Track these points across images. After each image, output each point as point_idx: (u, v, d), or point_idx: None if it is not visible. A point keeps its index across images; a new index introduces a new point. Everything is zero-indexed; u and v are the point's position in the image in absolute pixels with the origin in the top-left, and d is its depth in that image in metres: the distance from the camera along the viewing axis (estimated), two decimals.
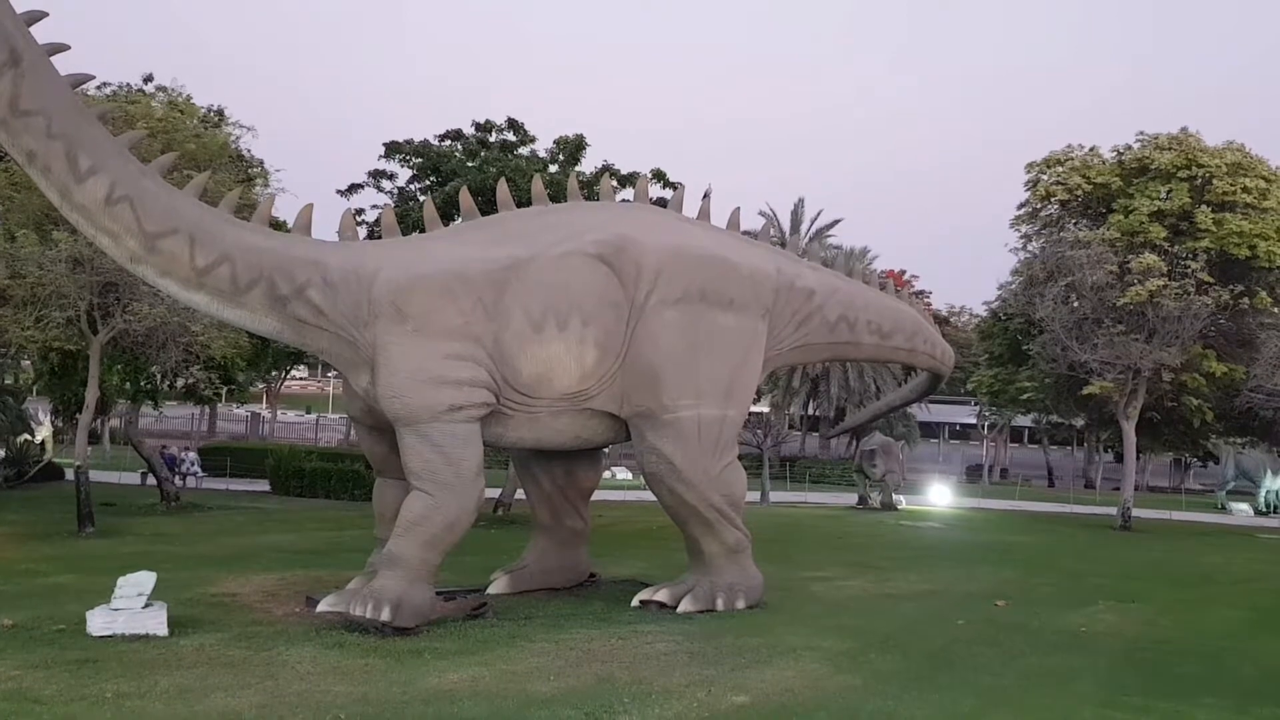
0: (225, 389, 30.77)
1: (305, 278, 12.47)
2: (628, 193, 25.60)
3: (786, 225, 67.61)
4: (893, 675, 10.73)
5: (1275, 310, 34.19)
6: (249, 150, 31.88)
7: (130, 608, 11.70)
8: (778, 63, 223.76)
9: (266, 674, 9.87)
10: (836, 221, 70.39)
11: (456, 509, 12.42)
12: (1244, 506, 46.07)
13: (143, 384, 28.19)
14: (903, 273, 71.29)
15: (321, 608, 12.42)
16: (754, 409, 65.74)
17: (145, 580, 11.91)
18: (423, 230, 14.16)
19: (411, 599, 12.12)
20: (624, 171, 27.49)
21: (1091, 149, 39.01)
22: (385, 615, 11.85)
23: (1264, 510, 45.59)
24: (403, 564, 12.24)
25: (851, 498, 39.96)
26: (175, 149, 22.93)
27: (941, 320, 66.50)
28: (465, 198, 14.35)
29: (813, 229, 68.80)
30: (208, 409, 60.10)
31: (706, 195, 17.26)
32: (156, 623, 11.68)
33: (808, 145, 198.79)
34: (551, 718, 8.64)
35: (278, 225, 15.44)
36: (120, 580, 11.84)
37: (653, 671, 10.38)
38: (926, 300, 70.53)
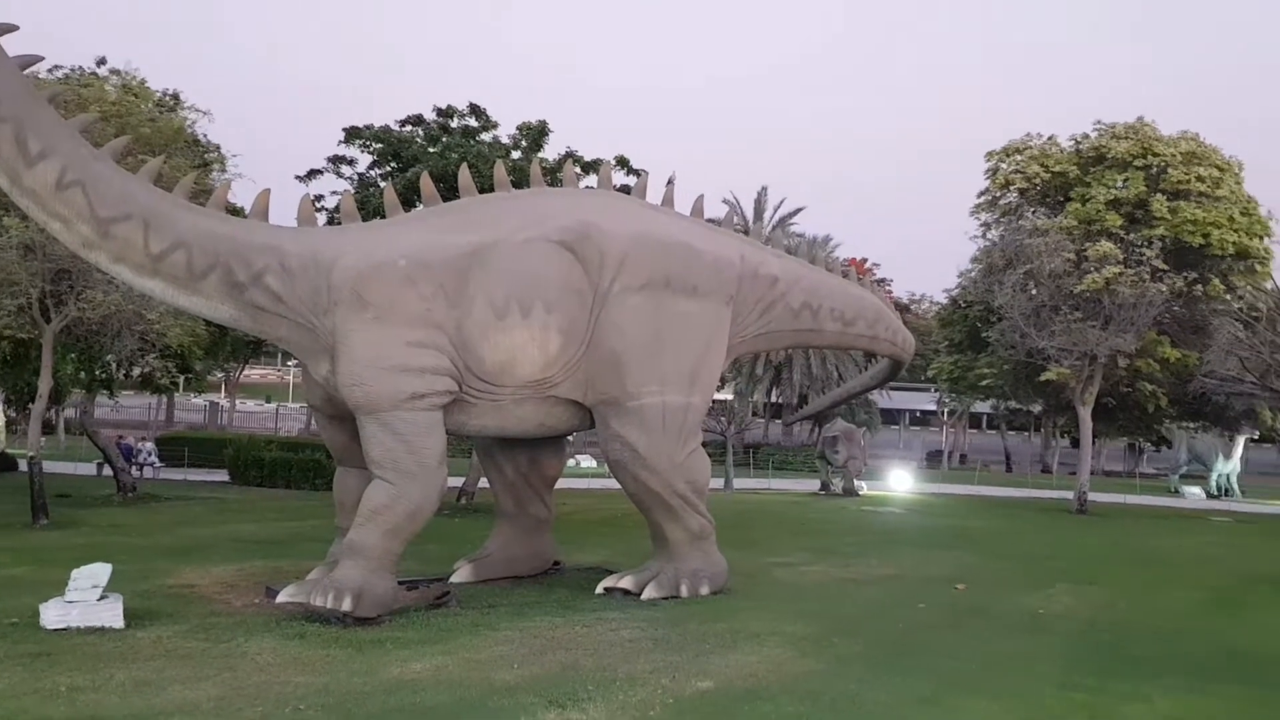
0: (182, 378, 30.30)
1: (263, 264, 12.30)
2: (593, 180, 25.44)
3: (750, 213, 67.78)
4: (855, 659, 10.79)
5: (1228, 297, 34.76)
6: (205, 135, 31.46)
7: (85, 600, 11.49)
8: (741, 55, 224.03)
9: (225, 665, 9.74)
10: (799, 210, 70.62)
11: (419, 498, 12.32)
12: (1196, 490, 46.87)
13: (98, 373, 27.71)
14: (864, 261, 71.75)
15: (281, 598, 12.30)
16: (718, 396, 66.13)
17: (100, 572, 11.71)
18: (383, 216, 13.99)
19: (373, 588, 12.02)
20: (588, 158, 27.33)
21: (1050, 138, 39.47)
22: (347, 605, 11.74)
23: (1215, 493, 46.43)
24: (364, 553, 12.13)
25: (814, 484, 40.22)
26: (129, 133, 22.60)
27: (902, 308, 66.93)
28: (426, 183, 14.20)
29: (776, 217, 69.01)
30: (165, 398, 59.38)
31: (670, 182, 17.23)
32: (112, 615, 11.48)
33: (772, 134, 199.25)
34: (515, 706, 8.59)
35: (236, 211, 15.17)
36: (75, 572, 11.62)
37: (617, 658, 10.37)
38: (888, 288, 70.93)
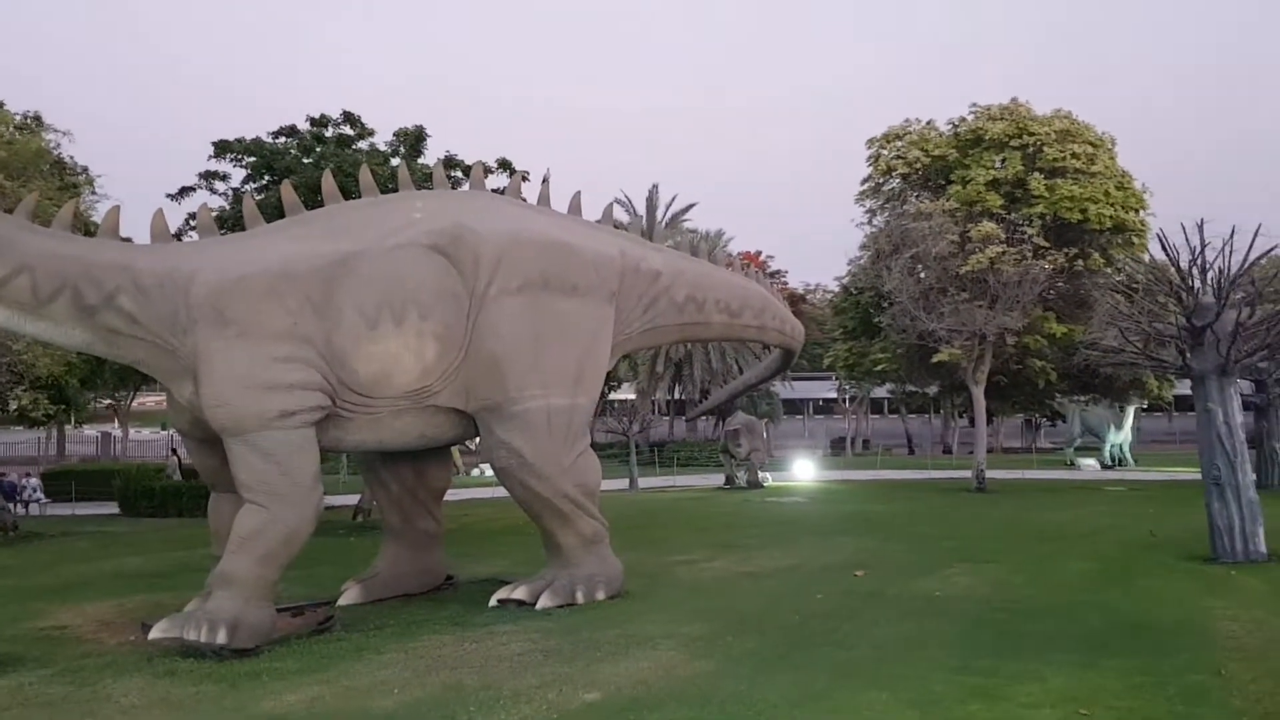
0: (58, 409, 28.95)
1: (114, 284, 11.67)
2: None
3: (643, 211, 67.83)
4: (748, 657, 10.60)
5: (1108, 270, 35.69)
6: (71, 157, 30.12)
7: None
8: (625, 48, 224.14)
9: (86, 711, 9.15)
10: (691, 206, 71.09)
11: (294, 521, 11.82)
12: (1091, 461, 48.16)
13: None
14: (758, 254, 72.36)
15: (154, 634, 11.65)
16: (619, 396, 66.17)
17: None
18: (238, 228, 13.40)
19: (248, 618, 11.48)
20: (469, 162, 26.83)
21: (928, 122, 40.11)
22: (221, 638, 11.18)
23: (1110, 464, 47.74)
24: (238, 582, 11.58)
25: (720, 479, 40.27)
26: None
27: (798, 298, 67.86)
28: (287, 191, 13.66)
29: (668, 214, 69.18)
30: (56, 431, 57.06)
31: (545, 180, 16.91)
32: None
33: (660, 132, 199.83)
34: None
35: (89, 233, 14.44)
36: None
37: (504, 674, 10.01)
38: (783, 280, 71.80)
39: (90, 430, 70.49)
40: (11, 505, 30.29)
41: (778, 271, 73.48)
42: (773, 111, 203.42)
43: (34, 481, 35.83)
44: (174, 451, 41.72)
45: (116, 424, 67.66)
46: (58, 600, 15.72)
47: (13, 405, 27.60)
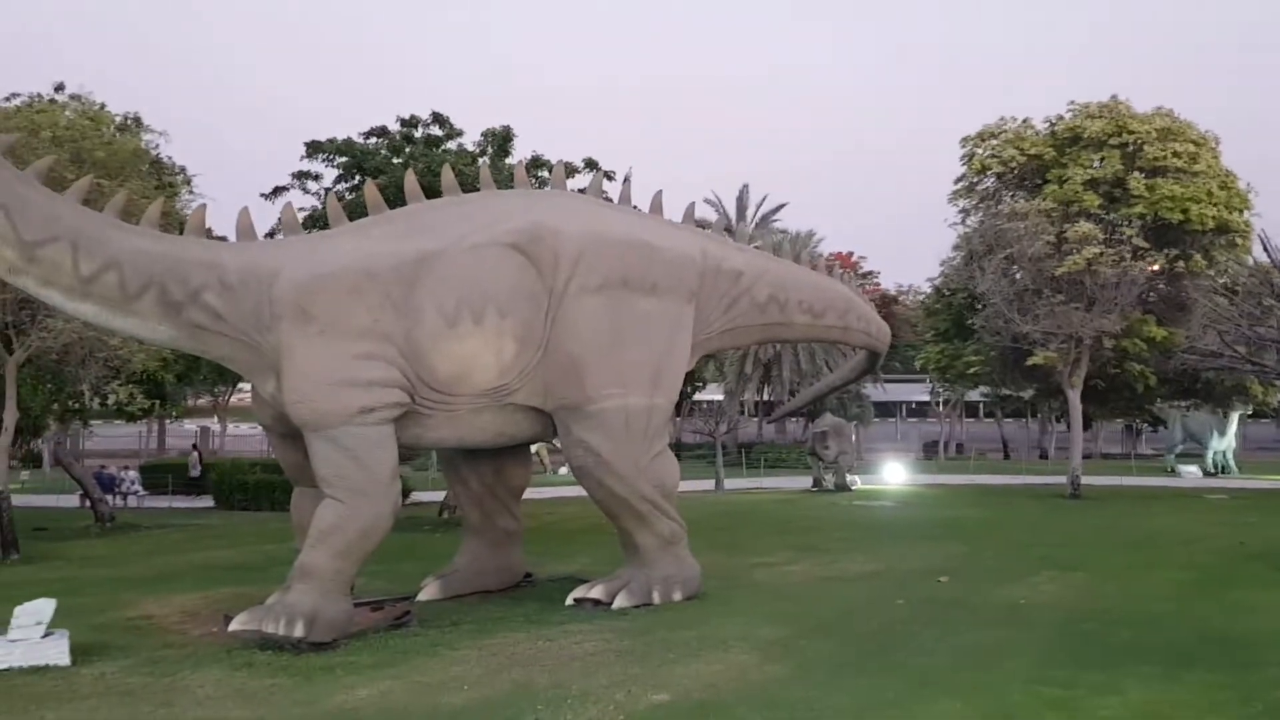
0: (154, 404, 29.83)
1: (200, 281, 11.94)
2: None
3: (733, 212, 67.62)
4: (822, 662, 10.43)
5: (1210, 273, 34.42)
6: (169, 157, 31.01)
7: (28, 638, 11.11)
8: (711, 50, 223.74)
9: (163, 701, 9.37)
10: (782, 206, 70.71)
11: (371, 516, 11.95)
12: (1193, 469, 46.50)
13: (69, 403, 27.28)
14: (850, 254, 71.44)
15: (233, 626, 11.88)
16: (706, 396, 65.95)
17: (44, 608, 11.33)
18: (327, 227, 13.61)
19: (326, 612, 11.64)
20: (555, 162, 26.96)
21: (1024, 121, 39.11)
22: (299, 631, 11.37)
23: (1212, 471, 46.08)
24: (316, 576, 11.76)
25: (808, 481, 39.83)
26: (85, 157, 22.25)
27: (890, 300, 66.78)
28: (371, 190, 13.84)
29: (758, 214, 68.85)
30: (156, 426, 58.90)
31: (627, 179, 16.88)
32: (57, 652, 11.10)
33: (753, 129, 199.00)
34: None
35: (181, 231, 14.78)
36: (17, 610, 11.25)
37: (574, 673, 10.00)
38: (875, 281, 70.76)
39: (190, 425, 72.67)
40: (110, 497, 31.37)
41: (870, 273, 72.45)
42: (870, 108, 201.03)
43: (132, 474, 37.03)
44: (195, 447, 43.54)
45: (216, 419, 69.65)
46: (146, 591, 16.17)
47: (110, 399, 28.48)
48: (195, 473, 39.17)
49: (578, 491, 30.99)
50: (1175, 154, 34.85)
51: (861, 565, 17.93)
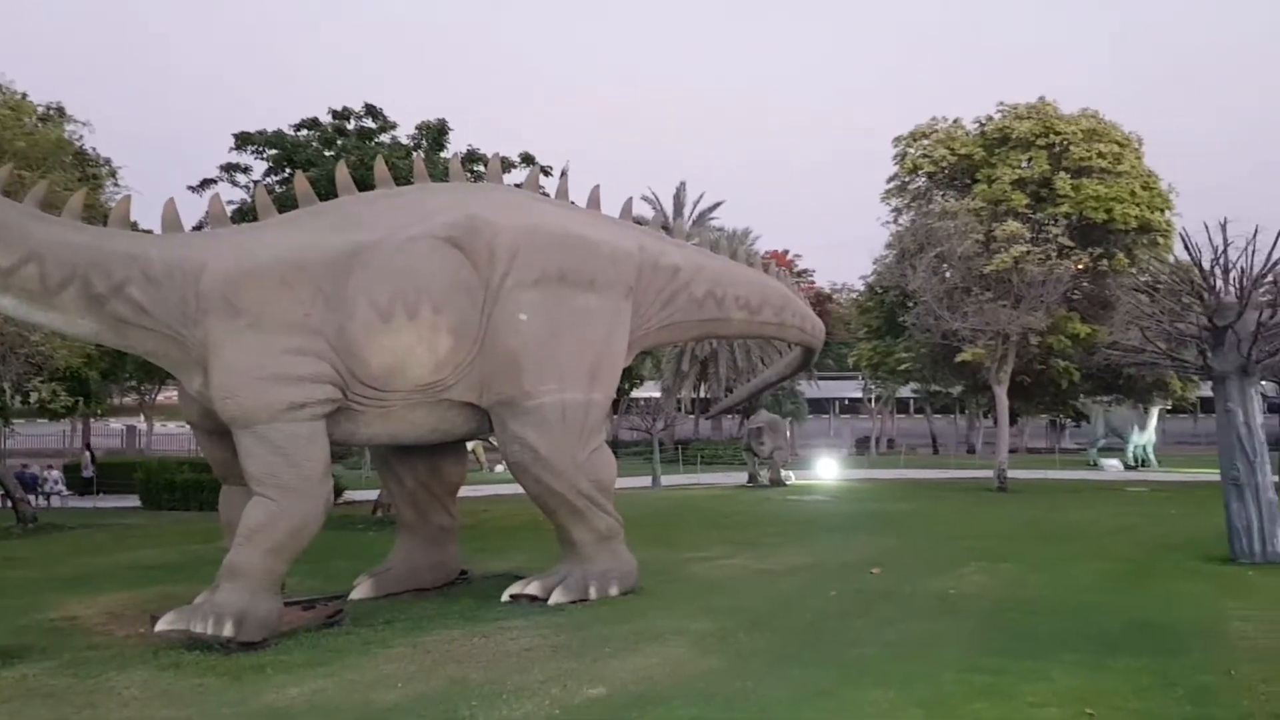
0: (77, 402, 29.07)
1: (124, 274, 11.64)
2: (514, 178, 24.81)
3: (670, 209, 67.85)
4: (757, 654, 10.49)
5: (1132, 271, 35.34)
6: (93, 148, 30.24)
7: None
8: (655, 47, 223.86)
9: (87, 703, 9.12)
10: (719, 204, 71.18)
11: (302, 514, 11.76)
12: (1115, 462, 47.74)
13: None
14: (785, 252, 72.09)
15: (160, 627, 11.61)
16: (643, 394, 66.16)
17: None
18: (255, 219, 13.36)
19: (256, 611, 11.44)
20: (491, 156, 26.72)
21: (955, 121, 39.83)
22: (228, 630, 11.16)
23: (1133, 465, 47.35)
24: (245, 575, 11.54)
25: (743, 477, 40.15)
26: (5, 148, 21.64)
27: (825, 297, 67.57)
28: (301, 182, 13.62)
29: (695, 212, 69.16)
30: (81, 424, 57.48)
31: (564, 173, 16.82)
32: None
33: (689, 127, 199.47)
34: None
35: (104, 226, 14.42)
36: None
37: (510, 669, 9.94)
38: (810, 279, 71.47)
39: (116, 424, 71.06)
40: (33, 497, 30.56)
41: (805, 270, 73.17)
42: (806, 107, 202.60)
43: (55, 474, 36.18)
44: (87, 446, 42.98)
45: (142, 418, 68.18)
46: (70, 592, 15.76)
47: (32, 397, 27.73)
48: (88, 472, 38.62)
49: (514, 489, 30.93)
50: (1100, 155, 35.77)
51: (796, 558, 18.10)
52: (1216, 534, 17.83)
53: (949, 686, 9.09)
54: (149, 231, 14.32)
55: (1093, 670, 9.69)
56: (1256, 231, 16.81)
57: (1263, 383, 19.97)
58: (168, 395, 69.37)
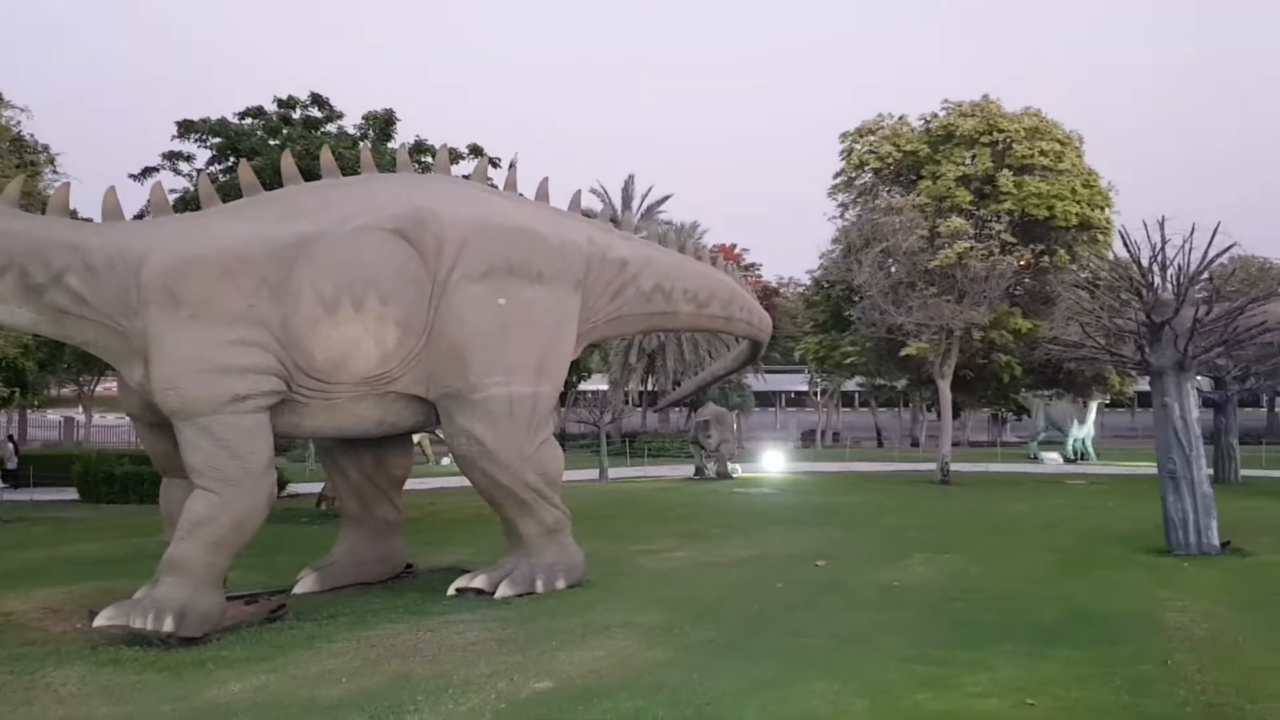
0: (14, 393, 28.39)
1: (63, 263, 11.39)
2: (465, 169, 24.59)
3: (618, 202, 67.78)
4: (703, 646, 10.54)
5: (1073, 267, 35.98)
6: (31, 135, 29.51)
7: None
8: (601, 42, 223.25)
9: (22, 700, 8.93)
10: (667, 197, 71.21)
11: (245, 507, 11.59)
12: (1055, 455, 48.60)
13: None
14: (733, 246, 72.39)
15: (98, 622, 11.39)
16: (591, 386, 66.26)
17: None
18: (198, 209, 13.13)
19: (197, 606, 11.26)
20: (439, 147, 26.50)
21: (901, 118, 40.25)
22: (168, 625, 10.97)
23: (1072, 458, 48.21)
24: (186, 569, 11.36)
25: (690, 470, 40.30)
26: None
27: (772, 291, 67.90)
28: (246, 171, 13.40)
29: (644, 205, 69.15)
30: (17, 416, 56.31)
31: (513, 165, 16.73)
32: None
33: (637, 121, 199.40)
34: None
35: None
36: None
37: (456, 663, 9.90)
38: (757, 273, 71.83)
39: (54, 415, 69.69)
40: None
41: (752, 264, 73.55)
42: (753, 102, 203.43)
43: None
44: (10, 439, 42.33)
45: (81, 409, 66.86)
46: (5, 586, 15.40)
47: None
48: (11, 465, 37.98)
49: (461, 482, 30.78)
50: (1042, 152, 36.37)
51: (742, 550, 18.21)
52: (1153, 526, 18.21)
53: (892, 677, 9.20)
54: (89, 220, 14.05)
55: (1033, 660, 9.86)
56: (1194, 230, 17.20)
57: (1198, 378, 20.42)
58: (107, 387, 68.07)
